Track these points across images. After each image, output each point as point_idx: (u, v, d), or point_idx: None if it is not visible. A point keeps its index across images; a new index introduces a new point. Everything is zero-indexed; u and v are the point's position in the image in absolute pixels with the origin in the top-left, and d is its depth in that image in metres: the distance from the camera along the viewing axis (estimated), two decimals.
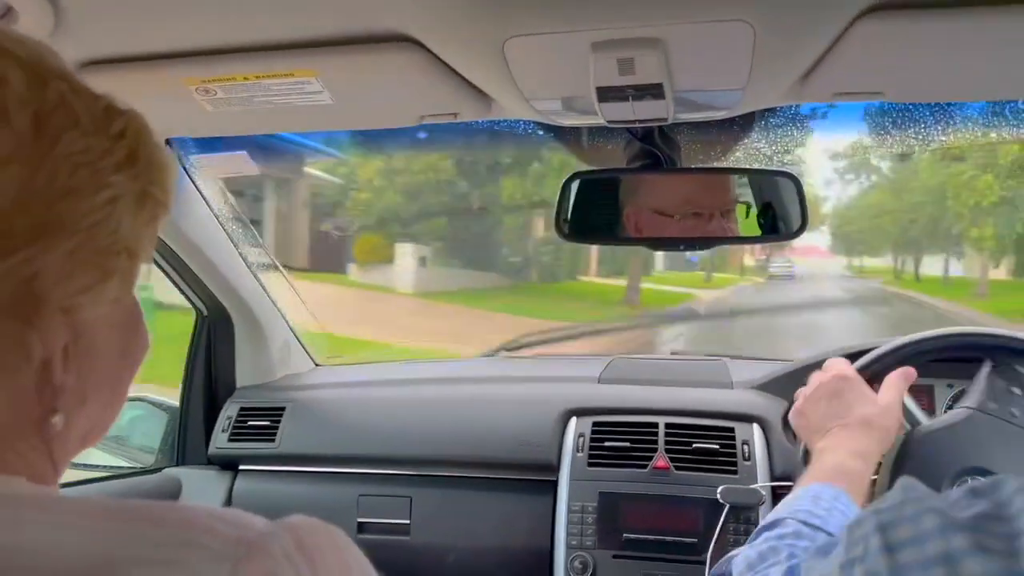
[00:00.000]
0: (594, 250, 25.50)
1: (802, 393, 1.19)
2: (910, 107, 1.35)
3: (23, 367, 0.49)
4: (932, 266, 31.12)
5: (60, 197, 0.48)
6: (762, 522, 0.95)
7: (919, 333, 1.33)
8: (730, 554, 1.01)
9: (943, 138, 1.46)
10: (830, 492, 0.93)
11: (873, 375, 1.24)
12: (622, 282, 23.05)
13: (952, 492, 0.55)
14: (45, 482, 0.53)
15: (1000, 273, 25.10)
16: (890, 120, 1.44)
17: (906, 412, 1.22)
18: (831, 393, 1.12)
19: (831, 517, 0.89)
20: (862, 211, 31.86)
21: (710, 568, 1.46)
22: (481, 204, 21.44)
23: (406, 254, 20.24)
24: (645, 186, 1.35)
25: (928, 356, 1.31)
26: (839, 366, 1.18)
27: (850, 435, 1.06)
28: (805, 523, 0.88)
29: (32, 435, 0.52)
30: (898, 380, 1.15)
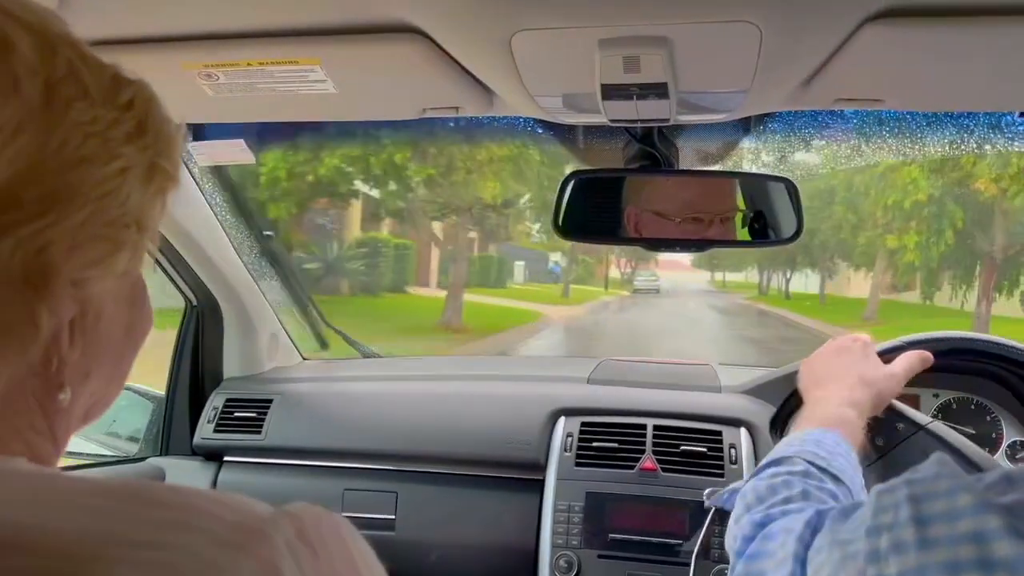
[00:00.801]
0: (434, 257, 22.14)
1: (820, 351, 1.21)
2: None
3: (31, 341, 0.48)
4: (800, 283, 28.72)
5: (71, 167, 0.48)
6: (766, 459, 0.96)
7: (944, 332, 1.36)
8: (730, 487, 1.01)
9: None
10: (832, 437, 0.95)
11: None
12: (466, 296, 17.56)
13: (988, 475, 0.55)
14: (46, 462, 0.52)
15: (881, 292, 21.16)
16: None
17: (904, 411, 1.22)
18: (842, 349, 1.16)
19: (834, 460, 0.90)
20: None
21: (694, 570, 1.47)
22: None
23: None
24: (648, 188, 1.36)
25: (946, 355, 1.32)
26: (861, 334, 1.21)
27: (848, 386, 1.08)
28: (812, 464, 0.89)
29: (34, 412, 0.51)
30: (913, 356, 1.18)
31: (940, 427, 1.22)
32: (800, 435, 0.98)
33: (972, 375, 1.65)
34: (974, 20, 0.82)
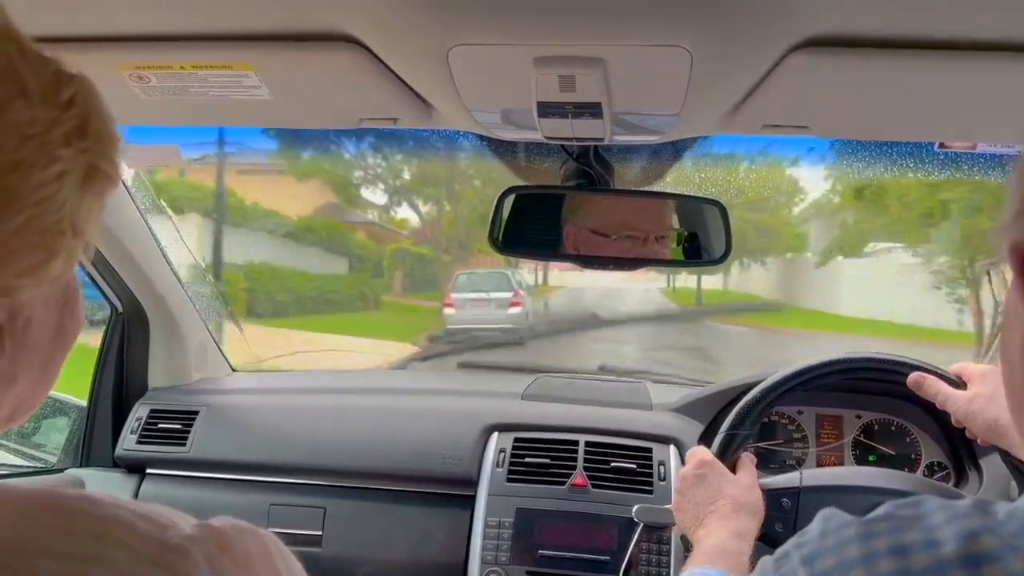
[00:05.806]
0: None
1: (676, 490, 1.24)
2: None
3: None
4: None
5: (8, 171, 0.45)
6: None
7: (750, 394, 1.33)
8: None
9: None
10: (715, 573, 0.98)
11: (728, 441, 1.29)
12: None
13: (870, 518, 0.56)
14: None
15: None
16: None
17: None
18: (697, 481, 1.19)
19: None
20: None
21: None
22: None
23: None
24: (585, 206, 1.37)
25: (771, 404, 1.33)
26: (698, 454, 1.25)
27: (725, 517, 1.12)
28: None
29: None
30: (748, 461, 1.26)
31: (812, 474, 1.26)
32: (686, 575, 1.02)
33: (891, 397, 1.70)
34: (896, 52, 0.86)
